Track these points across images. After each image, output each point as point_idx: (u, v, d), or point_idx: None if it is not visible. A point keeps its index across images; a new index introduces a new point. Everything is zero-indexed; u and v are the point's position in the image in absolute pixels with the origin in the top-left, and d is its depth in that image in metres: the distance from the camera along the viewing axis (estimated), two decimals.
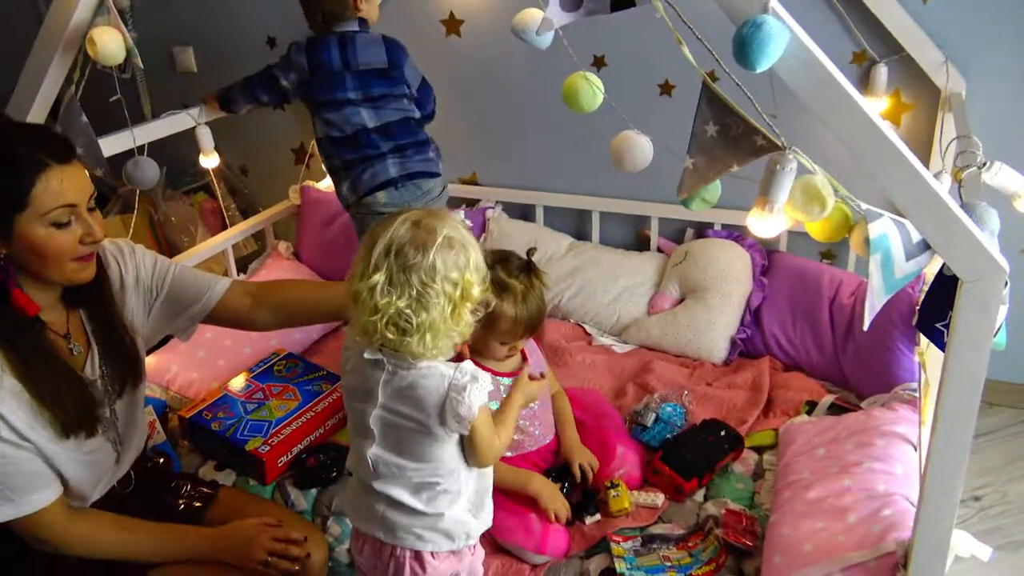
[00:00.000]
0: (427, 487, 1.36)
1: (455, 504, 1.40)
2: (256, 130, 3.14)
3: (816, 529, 1.47)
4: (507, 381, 1.84)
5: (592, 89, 1.35)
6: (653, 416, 2.02)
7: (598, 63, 2.58)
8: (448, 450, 1.35)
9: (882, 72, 2.22)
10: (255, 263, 2.79)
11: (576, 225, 2.78)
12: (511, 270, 1.74)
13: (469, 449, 1.36)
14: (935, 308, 1.24)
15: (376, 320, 1.23)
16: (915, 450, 1.65)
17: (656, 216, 2.63)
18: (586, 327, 2.57)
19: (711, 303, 2.38)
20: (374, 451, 1.34)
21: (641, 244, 2.74)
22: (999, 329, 1.25)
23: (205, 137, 2.43)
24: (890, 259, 1.19)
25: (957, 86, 2.16)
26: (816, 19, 2.23)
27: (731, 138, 1.23)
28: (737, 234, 2.49)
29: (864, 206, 1.21)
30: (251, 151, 3.26)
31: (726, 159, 1.25)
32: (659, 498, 1.80)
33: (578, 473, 1.82)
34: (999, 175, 1.47)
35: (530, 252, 1.79)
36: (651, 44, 2.45)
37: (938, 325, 1.23)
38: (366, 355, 1.31)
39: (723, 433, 1.95)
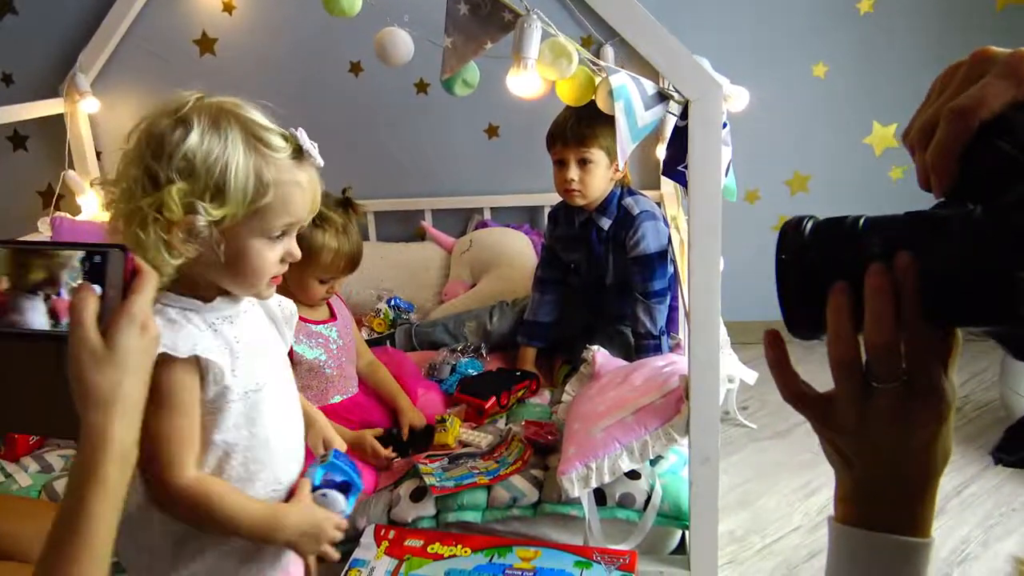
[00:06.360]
0: None
1: None
2: None
3: (608, 397, 1.57)
4: (318, 328, 1.76)
5: None
6: (449, 368, 2.05)
7: (355, 69, 2.68)
8: None
9: (609, 51, 2.50)
10: None
11: None
12: (328, 204, 1.68)
13: None
14: (675, 157, 1.41)
15: None
16: None
17: (429, 209, 2.74)
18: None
19: (505, 274, 2.48)
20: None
21: (420, 240, 2.81)
22: (728, 171, 1.44)
23: None
24: (631, 108, 1.35)
25: None
26: (549, 9, 2.47)
27: (481, 17, 1.36)
28: (514, 224, 2.68)
29: (604, 63, 1.37)
30: None
31: (480, 37, 1.37)
32: (484, 440, 1.76)
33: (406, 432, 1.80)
34: None
35: (346, 190, 1.78)
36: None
37: (679, 168, 1.40)
38: None
39: (518, 373, 2.03)
